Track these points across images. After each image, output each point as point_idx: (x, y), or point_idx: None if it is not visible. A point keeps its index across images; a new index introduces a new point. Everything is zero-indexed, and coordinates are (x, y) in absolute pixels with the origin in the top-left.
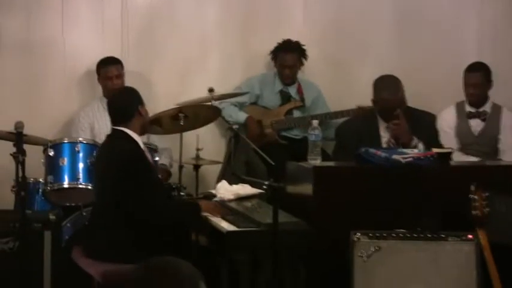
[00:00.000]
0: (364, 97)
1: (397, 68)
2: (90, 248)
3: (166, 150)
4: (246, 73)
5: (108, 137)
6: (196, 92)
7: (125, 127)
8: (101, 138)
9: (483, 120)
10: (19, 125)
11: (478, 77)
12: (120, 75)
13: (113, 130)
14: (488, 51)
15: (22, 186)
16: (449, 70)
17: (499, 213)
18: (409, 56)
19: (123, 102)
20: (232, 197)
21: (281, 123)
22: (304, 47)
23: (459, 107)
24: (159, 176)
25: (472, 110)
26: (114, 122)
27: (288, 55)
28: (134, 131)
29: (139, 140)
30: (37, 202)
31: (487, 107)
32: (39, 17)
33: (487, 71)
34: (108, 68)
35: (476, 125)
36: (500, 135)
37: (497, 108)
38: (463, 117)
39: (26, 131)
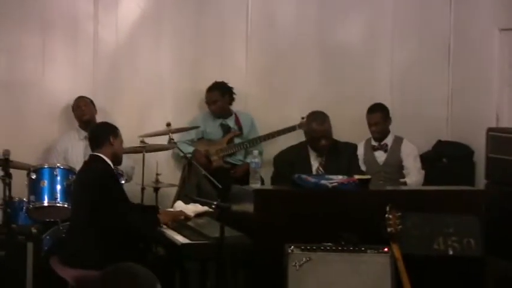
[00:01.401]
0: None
1: (321, 102)
2: (66, 257)
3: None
4: (196, 109)
5: (85, 162)
6: (154, 125)
7: (99, 153)
8: (73, 162)
9: (385, 151)
10: (6, 153)
11: (377, 117)
12: (87, 104)
13: (90, 156)
14: (398, 90)
15: (8, 204)
16: (366, 106)
17: (409, 229)
18: (331, 94)
19: (97, 132)
20: (192, 214)
21: (224, 150)
22: (228, 85)
23: (367, 141)
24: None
25: (375, 143)
26: (91, 148)
27: (209, 93)
28: (107, 156)
29: (111, 163)
30: (21, 218)
31: (388, 140)
32: (22, 60)
33: (385, 111)
34: (78, 100)
35: (380, 155)
36: (403, 162)
37: (398, 140)
38: (369, 150)
39: (12, 157)
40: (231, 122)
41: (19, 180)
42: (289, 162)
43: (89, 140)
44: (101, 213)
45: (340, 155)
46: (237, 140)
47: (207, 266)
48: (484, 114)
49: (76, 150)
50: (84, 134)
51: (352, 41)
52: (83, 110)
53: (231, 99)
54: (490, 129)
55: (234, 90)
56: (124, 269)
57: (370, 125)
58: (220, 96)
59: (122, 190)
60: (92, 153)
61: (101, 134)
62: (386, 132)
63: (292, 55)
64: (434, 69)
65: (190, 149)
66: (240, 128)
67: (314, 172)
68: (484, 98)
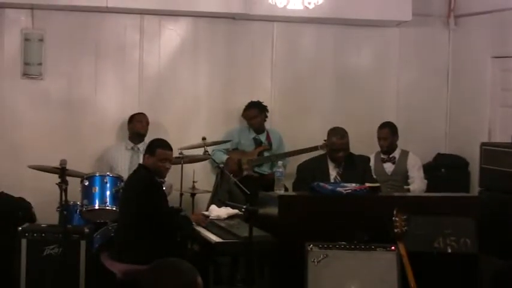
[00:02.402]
0: (312, 141)
1: (336, 120)
2: (115, 253)
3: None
4: (227, 125)
5: (136, 169)
6: (191, 139)
7: (144, 163)
8: (118, 170)
9: (393, 163)
10: (63, 162)
11: (386, 132)
12: (147, 122)
13: (139, 165)
14: (403, 109)
15: (64, 207)
16: (376, 123)
17: (413, 230)
18: (345, 113)
19: (147, 145)
20: (225, 215)
21: (255, 161)
22: (263, 104)
23: (377, 154)
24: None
25: (385, 156)
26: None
27: (249, 110)
28: (149, 167)
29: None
30: (75, 219)
31: (396, 153)
32: (78, 82)
33: (394, 128)
34: (139, 115)
35: (388, 167)
36: (409, 172)
37: (404, 153)
38: (379, 162)
39: (68, 166)
40: (263, 137)
41: (74, 187)
42: (311, 171)
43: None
44: (147, 214)
45: (355, 166)
46: (266, 154)
47: (237, 262)
48: (478, 130)
49: (122, 159)
50: (131, 144)
51: (363, 67)
52: (143, 125)
53: (266, 116)
54: (483, 144)
55: None
56: (169, 262)
57: (379, 139)
58: (258, 112)
59: (163, 194)
60: (141, 162)
61: (145, 149)
62: (394, 147)
63: (311, 79)
64: (434, 92)
65: (224, 157)
66: (270, 143)
67: (332, 180)
68: (478, 117)
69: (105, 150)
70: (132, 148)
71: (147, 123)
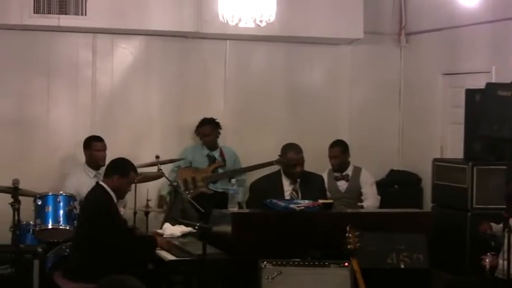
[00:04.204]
0: (265, 158)
1: (288, 136)
2: (68, 272)
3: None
4: (181, 143)
5: (92, 188)
6: (145, 157)
7: (104, 183)
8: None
9: (347, 181)
10: (16, 182)
11: (337, 151)
12: (105, 149)
13: (96, 183)
14: (355, 126)
15: (17, 227)
16: (328, 140)
17: (366, 246)
18: (297, 130)
19: (113, 164)
20: (179, 233)
21: (209, 178)
22: (217, 121)
23: (329, 172)
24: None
25: (338, 174)
26: (104, 175)
27: (202, 127)
28: (109, 186)
29: (113, 195)
30: (28, 239)
31: (349, 171)
32: (29, 101)
33: (345, 146)
34: (96, 143)
35: (342, 184)
36: (362, 189)
37: (357, 170)
38: (332, 180)
39: (20, 186)
40: (216, 153)
41: (27, 206)
42: (263, 190)
43: (105, 168)
44: (100, 239)
45: (311, 183)
46: (220, 170)
47: (190, 279)
48: (430, 147)
49: (87, 185)
50: (93, 172)
51: (315, 84)
52: (102, 154)
53: (219, 133)
54: (435, 160)
55: None
56: (115, 280)
57: (330, 157)
58: (212, 129)
59: (118, 219)
60: (99, 181)
61: (110, 168)
62: (345, 165)
63: (264, 97)
64: (386, 109)
65: (173, 175)
66: (224, 160)
67: (288, 197)
68: (430, 133)
69: (65, 179)
70: (96, 176)
71: (104, 149)
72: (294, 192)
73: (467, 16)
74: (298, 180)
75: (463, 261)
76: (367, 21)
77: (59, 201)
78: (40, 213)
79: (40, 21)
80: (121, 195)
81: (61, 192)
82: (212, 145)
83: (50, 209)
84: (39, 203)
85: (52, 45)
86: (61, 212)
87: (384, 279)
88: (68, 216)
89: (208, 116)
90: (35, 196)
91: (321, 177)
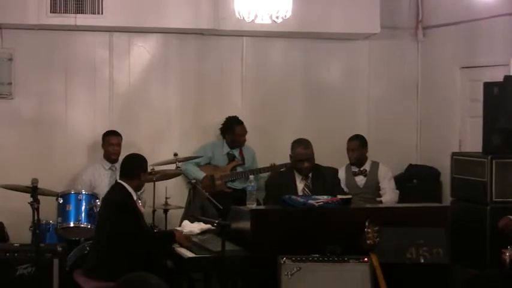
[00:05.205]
0: (284, 155)
1: (306, 132)
2: (88, 270)
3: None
4: (199, 140)
5: (111, 187)
6: (163, 155)
7: (125, 182)
8: (98, 190)
9: (365, 176)
10: (35, 181)
11: (355, 144)
12: (119, 144)
13: (116, 182)
14: (373, 121)
15: (37, 226)
16: (346, 135)
17: (386, 241)
18: (315, 125)
19: (131, 164)
20: (198, 231)
21: (228, 176)
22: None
23: (347, 167)
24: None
25: (356, 169)
26: (120, 175)
27: (242, 126)
28: (131, 186)
29: (133, 193)
30: (48, 238)
31: (366, 166)
32: (48, 101)
33: (363, 140)
34: (111, 137)
35: (360, 180)
36: (380, 183)
37: (375, 165)
38: (350, 175)
39: (40, 185)
40: (236, 152)
41: (46, 205)
42: (278, 186)
43: (121, 167)
44: (120, 233)
45: (323, 177)
46: (238, 169)
47: (210, 276)
48: (448, 141)
49: (103, 179)
50: (109, 164)
51: (333, 80)
52: (114, 148)
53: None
54: (454, 154)
55: None
56: (136, 277)
57: (348, 150)
58: (245, 129)
59: (139, 217)
60: (118, 180)
61: (134, 168)
62: (364, 159)
63: (281, 93)
64: (404, 103)
65: (201, 175)
66: (243, 159)
67: (300, 193)
68: (449, 127)
69: (82, 170)
70: (110, 168)
71: (119, 144)
72: (306, 188)
73: (484, 9)
74: (310, 175)
75: (483, 256)
76: (383, 16)
77: (81, 200)
78: (62, 211)
79: (57, 20)
80: (140, 188)
81: (82, 190)
82: (242, 145)
83: (71, 207)
84: (61, 201)
85: (69, 44)
86: (82, 210)
87: (403, 274)
88: (89, 215)
89: (226, 114)
90: (54, 195)
91: (334, 170)
